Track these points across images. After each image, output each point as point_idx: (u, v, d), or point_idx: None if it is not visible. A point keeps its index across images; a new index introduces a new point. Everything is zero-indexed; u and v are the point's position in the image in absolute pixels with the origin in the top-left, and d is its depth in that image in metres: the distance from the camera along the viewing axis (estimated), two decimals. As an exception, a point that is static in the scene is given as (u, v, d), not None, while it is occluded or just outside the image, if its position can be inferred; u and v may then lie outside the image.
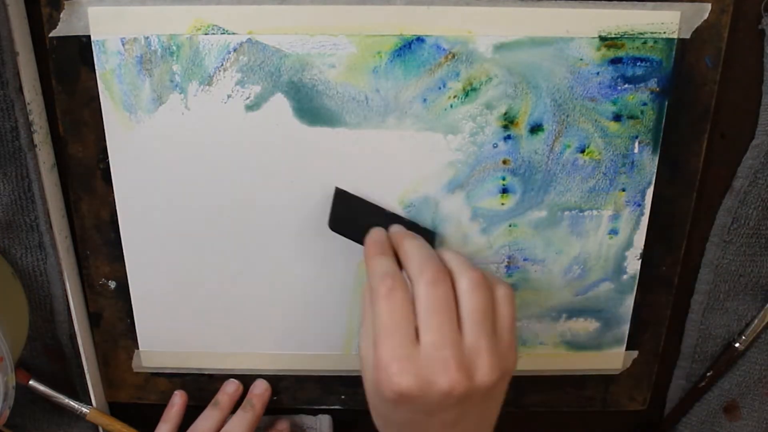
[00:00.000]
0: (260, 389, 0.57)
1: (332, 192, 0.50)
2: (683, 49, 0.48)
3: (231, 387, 0.57)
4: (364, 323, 0.42)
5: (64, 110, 0.49)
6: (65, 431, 0.59)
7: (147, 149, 0.50)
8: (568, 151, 0.50)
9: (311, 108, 0.49)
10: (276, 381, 0.59)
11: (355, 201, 0.49)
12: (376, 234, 0.46)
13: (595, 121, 0.49)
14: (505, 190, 0.51)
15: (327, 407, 0.61)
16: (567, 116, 0.49)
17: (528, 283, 0.55)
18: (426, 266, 0.40)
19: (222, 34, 0.47)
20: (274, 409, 0.61)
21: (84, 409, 0.55)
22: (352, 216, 0.49)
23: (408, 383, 0.37)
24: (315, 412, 0.61)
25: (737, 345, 0.55)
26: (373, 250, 0.43)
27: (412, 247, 0.42)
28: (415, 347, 0.38)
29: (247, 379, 0.59)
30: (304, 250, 0.53)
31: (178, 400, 0.57)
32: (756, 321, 0.54)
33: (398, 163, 0.50)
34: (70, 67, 0.48)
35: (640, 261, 0.54)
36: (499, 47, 0.47)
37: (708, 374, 0.56)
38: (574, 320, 0.56)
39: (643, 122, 0.49)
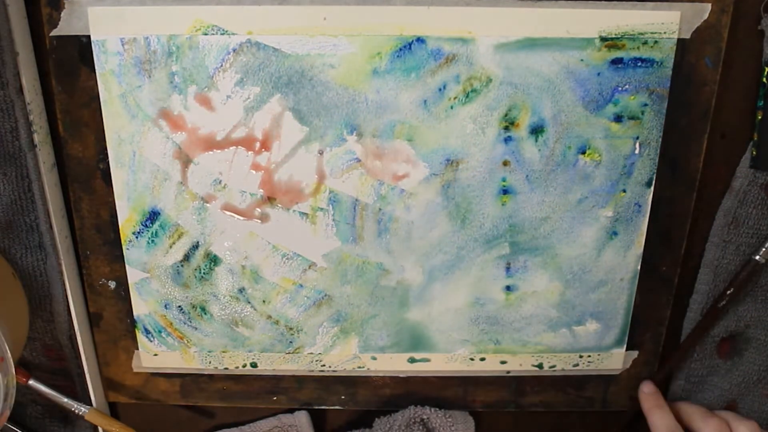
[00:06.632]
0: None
1: (330, 192, 0.50)
2: (683, 49, 0.48)
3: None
4: None
5: (64, 110, 0.49)
6: (65, 431, 0.59)
7: (147, 150, 0.50)
8: (569, 152, 0.50)
9: (311, 109, 0.49)
10: (276, 381, 0.59)
11: None
12: (647, 387, 0.56)
13: (596, 122, 0.49)
14: (505, 191, 0.51)
15: (327, 407, 0.61)
16: (567, 117, 0.49)
17: (528, 284, 0.55)
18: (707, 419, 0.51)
19: (222, 34, 0.47)
20: (259, 410, 0.61)
21: (83, 409, 0.55)
22: None
23: None
24: (315, 412, 0.61)
25: (757, 258, 0.52)
26: (649, 403, 0.54)
27: (686, 405, 0.53)
28: None
29: (247, 380, 0.59)
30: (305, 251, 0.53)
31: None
32: None
33: (398, 163, 0.50)
34: (70, 67, 0.48)
35: (640, 261, 0.54)
36: (500, 48, 0.47)
37: (728, 292, 0.54)
38: (575, 321, 0.56)
39: (644, 123, 0.49)
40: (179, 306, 0.55)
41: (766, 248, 0.52)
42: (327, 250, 0.53)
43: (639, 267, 0.54)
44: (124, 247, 0.53)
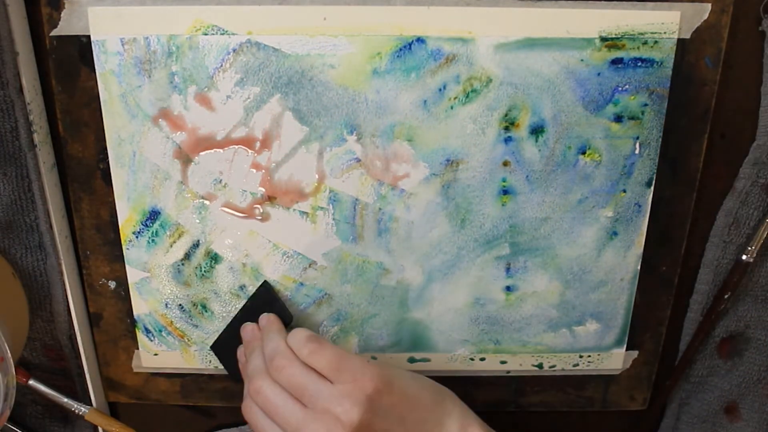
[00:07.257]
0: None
1: (330, 192, 0.50)
2: (683, 49, 0.48)
3: None
4: None
5: (64, 110, 0.49)
6: (65, 431, 0.60)
7: (147, 149, 0.50)
8: (569, 152, 0.50)
9: (311, 109, 0.49)
10: (276, 381, 0.59)
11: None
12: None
13: (596, 122, 0.49)
14: (506, 192, 0.51)
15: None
16: (567, 117, 0.49)
17: (528, 285, 0.55)
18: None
19: (222, 34, 0.47)
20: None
21: (83, 409, 0.55)
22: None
23: None
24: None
25: (744, 257, 0.53)
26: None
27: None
28: None
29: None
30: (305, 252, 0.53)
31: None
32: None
33: (398, 163, 0.50)
34: (70, 67, 0.48)
35: (640, 261, 0.54)
36: (500, 48, 0.47)
37: (726, 296, 0.54)
38: (575, 321, 0.56)
39: (644, 123, 0.49)
40: (180, 304, 0.55)
41: (752, 247, 0.52)
42: (327, 249, 0.53)
43: (639, 267, 0.54)
44: (124, 247, 0.53)
